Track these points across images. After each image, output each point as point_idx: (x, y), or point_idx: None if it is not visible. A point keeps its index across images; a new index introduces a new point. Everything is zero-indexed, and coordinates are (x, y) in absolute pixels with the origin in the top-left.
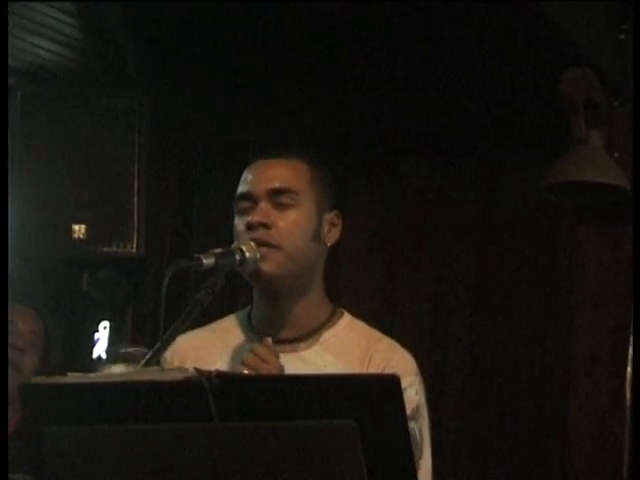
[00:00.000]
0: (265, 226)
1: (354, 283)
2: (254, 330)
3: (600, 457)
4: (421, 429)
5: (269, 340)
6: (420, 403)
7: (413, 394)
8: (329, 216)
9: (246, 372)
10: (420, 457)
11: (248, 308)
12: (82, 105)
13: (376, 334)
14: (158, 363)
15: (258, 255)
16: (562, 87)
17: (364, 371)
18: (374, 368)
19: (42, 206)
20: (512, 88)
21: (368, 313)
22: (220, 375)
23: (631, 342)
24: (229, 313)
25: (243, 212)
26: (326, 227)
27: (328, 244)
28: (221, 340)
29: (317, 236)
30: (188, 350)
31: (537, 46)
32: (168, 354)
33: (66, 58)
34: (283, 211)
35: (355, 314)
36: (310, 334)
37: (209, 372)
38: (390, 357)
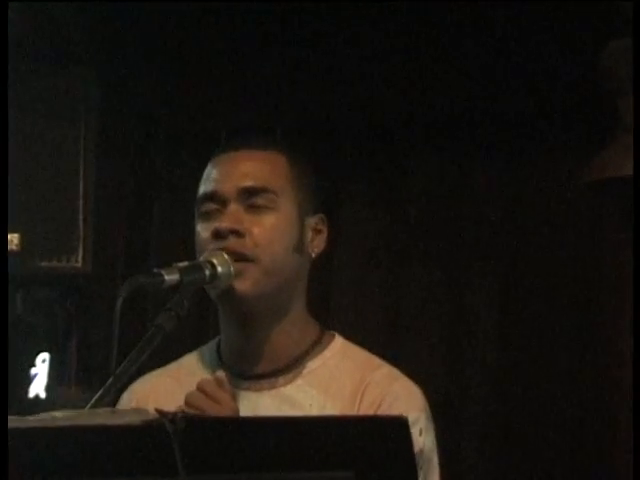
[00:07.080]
0: (237, 233)
1: (350, 300)
2: (224, 366)
3: None
4: (426, 477)
5: (221, 373)
6: (426, 445)
7: (417, 434)
8: (312, 221)
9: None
10: None
11: (217, 340)
12: (18, 85)
13: (374, 361)
14: (111, 404)
15: (232, 270)
16: (604, 61)
17: (356, 408)
18: (368, 403)
19: None
20: (541, 62)
21: (367, 336)
22: (187, 417)
23: None
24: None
25: (208, 216)
26: (309, 234)
27: (312, 255)
28: (185, 383)
29: (299, 246)
30: (148, 396)
31: (574, 14)
32: (125, 401)
33: None
34: (258, 215)
35: (350, 338)
36: (291, 365)
37: (173, 414)
38: (388, 389)
